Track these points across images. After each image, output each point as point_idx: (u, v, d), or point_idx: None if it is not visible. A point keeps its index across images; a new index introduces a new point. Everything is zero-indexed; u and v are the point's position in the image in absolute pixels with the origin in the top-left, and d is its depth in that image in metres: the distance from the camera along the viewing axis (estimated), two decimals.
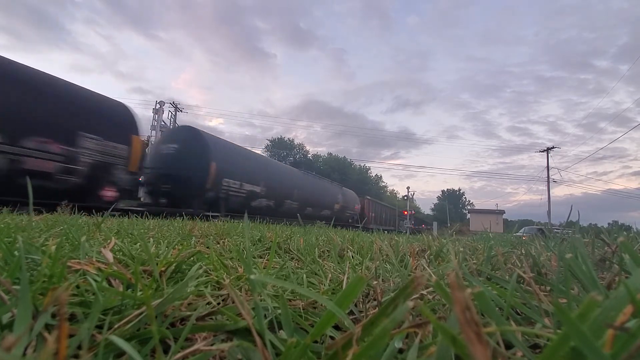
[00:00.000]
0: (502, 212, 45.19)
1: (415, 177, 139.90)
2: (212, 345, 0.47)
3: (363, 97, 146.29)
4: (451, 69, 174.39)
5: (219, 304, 0.67)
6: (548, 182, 33.62)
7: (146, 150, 11.46)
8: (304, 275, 0.99)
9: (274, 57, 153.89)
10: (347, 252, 1.67)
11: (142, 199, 10.74)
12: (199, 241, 1.82)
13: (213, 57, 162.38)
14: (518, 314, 0.67)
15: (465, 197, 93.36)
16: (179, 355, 0.45)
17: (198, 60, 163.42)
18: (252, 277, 0.56)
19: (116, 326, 0.53)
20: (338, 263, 1.34)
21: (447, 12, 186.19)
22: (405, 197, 49.28)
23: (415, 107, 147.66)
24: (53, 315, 0.52)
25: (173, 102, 28.11)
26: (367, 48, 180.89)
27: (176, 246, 1.33)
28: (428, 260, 1.44)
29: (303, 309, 0.69)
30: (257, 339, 0.45)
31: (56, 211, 3.18)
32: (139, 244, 1.37)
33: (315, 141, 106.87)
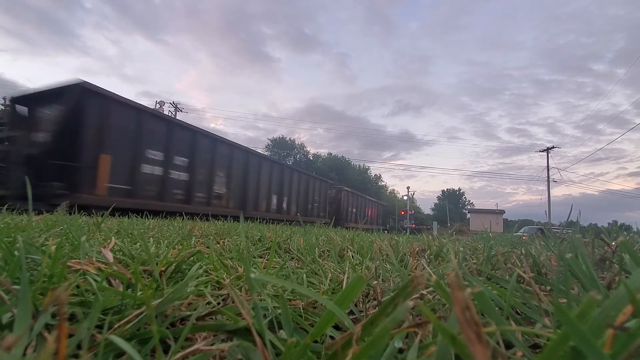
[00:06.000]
0: (502, 212, 45.29)
1: (416, 177, 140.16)
2: (212, 345, 0.47)
3: (365, 101, 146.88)
4: (451, 73, 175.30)
5: (219, 303, 0.67)
6: (548, 182, 33.64)
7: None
8: (304, 275, 0.99)
9: (278, 61, 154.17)
10: (347, 252, 1.67)
11: None
12: (199, 241, 1.82)
13: (219, 60, 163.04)
14: (518, 314, 0.67)
15: (465, 197, 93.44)
16: (179, 355, 0.45)
17: (204, 63, 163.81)
18: (252, 276, 0.56)
19: (116, 326, 0.53)
20: (338, 263, 1.34)
21: (448, 18, 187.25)
22: (405, 197, 49.23)
23: (416, 110, 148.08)
24: (53, 315, 0.52)
25: (173, 102, 28.03)
26: (370, 53, 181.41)
27: (176, 246, 1.33)
28: (428, 260, 1.44)
29: (303, 309, 0.69)
30: (257, 339, 0.45)
31: None
32: (139, 243, 1.37)
33: (318, 143, 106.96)
